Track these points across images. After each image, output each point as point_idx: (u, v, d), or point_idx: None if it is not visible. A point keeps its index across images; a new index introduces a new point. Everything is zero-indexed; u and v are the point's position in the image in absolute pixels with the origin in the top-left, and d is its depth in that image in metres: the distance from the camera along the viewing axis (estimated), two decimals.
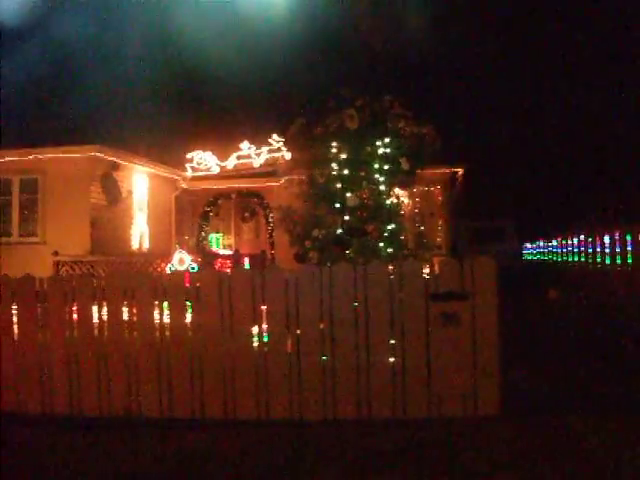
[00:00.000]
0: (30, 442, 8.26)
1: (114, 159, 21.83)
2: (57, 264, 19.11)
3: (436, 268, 8.64)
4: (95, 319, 9.17)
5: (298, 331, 8.60)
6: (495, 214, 38.53)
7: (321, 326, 8.56)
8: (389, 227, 12.06)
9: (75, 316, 9.24)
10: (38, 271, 10.58)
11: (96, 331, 9.16)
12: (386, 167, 12.11)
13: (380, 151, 12.09)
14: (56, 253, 19.15)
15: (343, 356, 8.46)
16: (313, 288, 8.58)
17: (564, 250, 30.55)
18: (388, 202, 12.28)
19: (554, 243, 37.28)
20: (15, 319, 9.42)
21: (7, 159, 20.93)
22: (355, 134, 12.03)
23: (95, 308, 9.17)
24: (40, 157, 20.73)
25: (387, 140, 12.09)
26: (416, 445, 7.56)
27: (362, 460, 7.16)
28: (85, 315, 9.19)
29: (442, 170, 22.96)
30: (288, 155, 20.54)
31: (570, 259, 28.30)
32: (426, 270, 8.72)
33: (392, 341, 8.48)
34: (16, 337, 9.41)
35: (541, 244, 47.85)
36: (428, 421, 8.23)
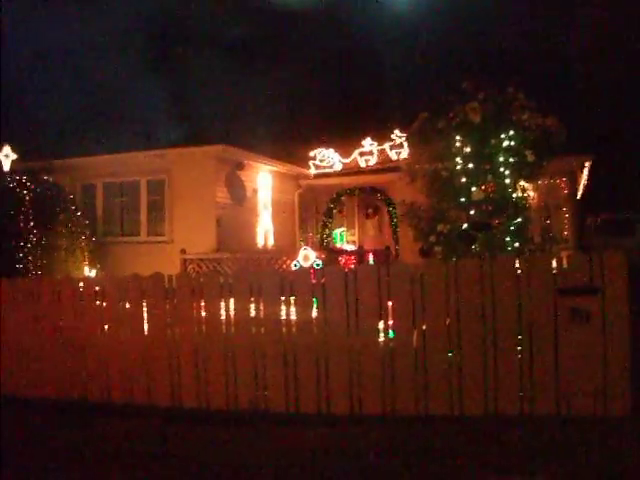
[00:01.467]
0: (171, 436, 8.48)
1: (239, 158, 22.11)
2: (184, 262, 19.52)
3: (564, 262, 8.44)
4: (222, 315, 9.34)
5: (424, 326, 8.55)
6: (624, 206, 37.40)
7: (447, 321, 8.50)
8: (515, 221, 11.88)
9: (203, 312, 9.44)
10: (166, 269, 10.84)
11: (223, 326, 9.34)
12: (511, 160, 11.93)
13: (504, 144, 11.92)
14: (183, 251, 19.55)
15: (469, 351, 8.38)
16: (438, 283, 8.52)
17: None
18: (514, 195, 12.09)
19: None
20: (145, 315, 9.70)
21: (134, 161, 21.47)
22: (478, 127, 11.89)
23: (222, 304, 9.34)
24: (166, 159, 21.17)
25: (511, 132, 11.91)
26: (545, 443, 7.43)
27: (495, 456, 7.09)
28: (212, 311, 9.38)
29: (568, 161, 22.37)
30: (411, 150, 20.43)
31: None
32: (554, 264, 8.52)
33: (520, 337, 8.35)
34: (146, 332, 9.69)
35: None
36: (556, 419, 8.07)
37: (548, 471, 6.68)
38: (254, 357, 9.11)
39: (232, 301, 9.28)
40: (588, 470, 6.63)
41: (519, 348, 8.34)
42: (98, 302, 10.04)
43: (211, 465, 7.36)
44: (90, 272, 18.39)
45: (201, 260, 19.39)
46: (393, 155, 25.22)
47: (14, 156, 18.09)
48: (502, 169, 11.96)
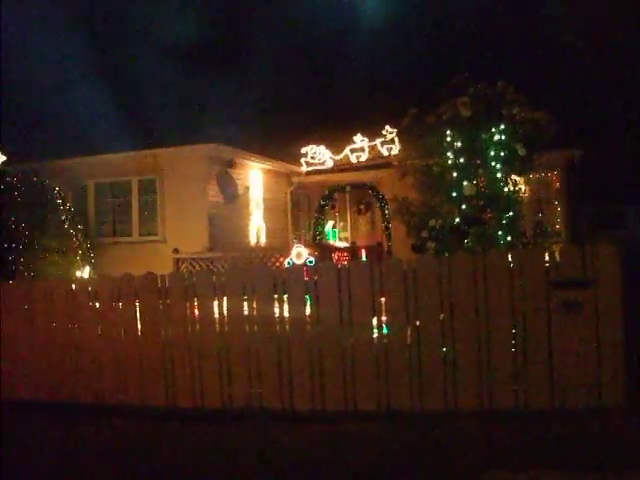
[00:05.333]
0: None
1: (230, 157, 22.10)
2: (177, 261, 19.49)
3: (556, 255, 8.45)
4: (215, 314, 9.33)
5: (417, 322, 8.56)
6: (618, 198, 37.43)
7: (440, 317, 8.50)
8: (507, 215, 11.91)
9: (196, 311, 9.43)
10: (159, 268, 10.84)
11: (217, 325, 9.33)
12: (502, 154, 11.95)
13: (495, 138, 11.94)
14: (176, 250, 19.53)
15: (463, 347, 8.39)
16: (431, 278, 8.52)
17: None
18: (505, 189, 12.11)
19: None
20: (138, 315, 9.69)
21: (126, 162, 21.44)
22: (469, 122, 11.91)
23: (215, 303, 9.34)
24: (158, 158, 21.13)
25: (502, 126, 11.93)
26: (539, 439, 7.45)
27: (491, 451, 7.11)
28: (206, 310, 9.37)
29: (559, 154, 22.35)
30: (402, 146, 20.39)
31: None
32: (546, 258, 8.53)
33: (513, 331, 8.36)
34: (139, 332, 9.68)
35: None
36: (551, 412, 8.08)
37: (542, 464, 6.69)
38: (248, 355, 9.10)
39: (225, 300, 9.28)
40: (581, 462, 6.64)
41: (513, 342, 8.35)
42: (91, 303, 10.02)
43: (204, 463, 7.38)
44: (83, 273, 18.35)
45: (194, 259, 19.36)
46: (384, 151, 25.19)
47: (3, 158, 18.00)
48: (493, 163, 11.98)
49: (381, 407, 8.58)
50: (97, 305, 9.99)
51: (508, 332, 8.37)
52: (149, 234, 21.44)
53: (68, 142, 23.99)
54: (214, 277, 9.66)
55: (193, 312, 9.46)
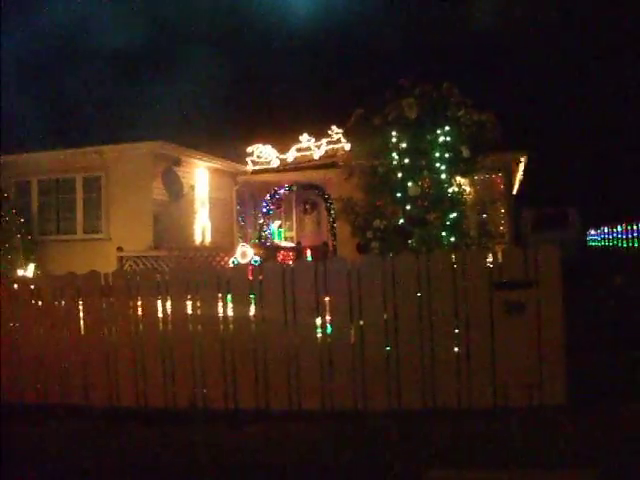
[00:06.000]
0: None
1: (175, 155, 22.00)
2: (121, 259, 19.36)
3: (499, 256, 8.55)
4: (159, 313, 9.28)
5: (361, 322, 8.59)
6: (559, 200, 37.99)
7: (384, 317, 8.55)
8: (451, 216, 12.00)
9: (140, 310, 9.37)
10: (103, 267, 10.73)
11: (160, 324, 9.28)
12: (447, 155, 12.04)
13: (440, 139, 12.02)
14: (120, 249, 19.39)
15: (407, 347, 8.43)
16: (375, 279, 8.57)
17: (630, 236, 30.02)
18: (449, 191, 12.21)
19: (619, 229, 36.66)
20: (82, 314, 9.59)
21: (70, 158, 21.22)
22: (414, 123, 11.98)
23: (159, 302, 9.29)
24: (102, 155, 20.96)
25: (447, 128, 12.02)
26: (480, 436, 7.52)
27: (421, 453, 7.15)
28: (149, 309, 9.31)
29: (504, 157, 22.60)
30: (348, 146, 20.46)
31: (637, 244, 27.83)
32: (489, 259, 8.63)
33: (456, 331, 8.44)
34: (82, 331, 9.59)
35: (606, 230, 47.05)
36: (494, 411, 8.16)
37: (483, 463, 6.76)
38: (192, 355, 9.06)
39: (169, 299, 9.23)
40: (520, 459, 6.72)
41: (456, 342, 8.43)
42: (33, 301, 9.89)
43: (143, 463, 7.34)
44: (25, 271, 18.13)
45: (138, 258, 19.25)
46: (331, 151, 25.25)
47: None
48: (438, 164, 12.06)
49: (325, 406, 8.59)
50: (39, 304, 9.86)
51: (451, 332, 8.45)
52: (93, 232, 21.25)
53: (11, 138, 23.70)
54: (158, 276, 9.60)
55: (137, 311, 9.39)
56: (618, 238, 37.39)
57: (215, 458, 7.35)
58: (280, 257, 20.15)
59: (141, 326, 9.36)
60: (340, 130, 24.57)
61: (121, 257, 19.37)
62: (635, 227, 28.69)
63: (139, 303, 9.37)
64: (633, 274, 23.96)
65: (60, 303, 9.74)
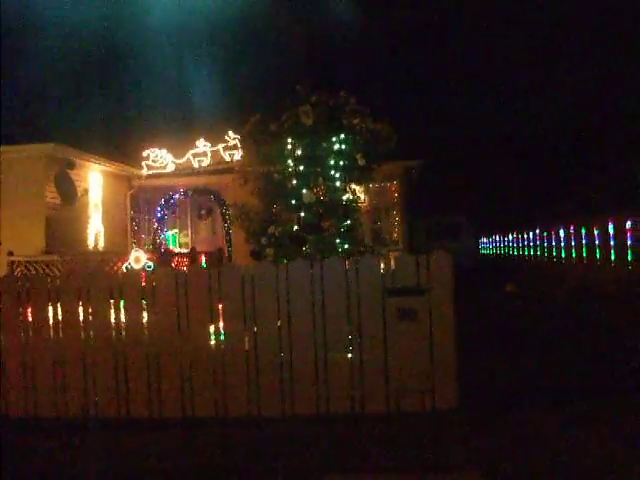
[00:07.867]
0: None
1: (69, 157, 21.60)
2: (12, 264, 18.89)
3: (392, 263, 8.66)
4: (50, 319, 9.09)
5: (255, 328, 8.59)
6: (452, 209, 38.69)
7: (278, 323, 8.56)
8: (345, 223, 12.08)
9: (29, 317, 9.16)
10: None
11: (51, 331, 9.09)
12: (342, 163, 12.12)
13: (335, 147, 12.09)
14: (11, 253, 18.92)
15: (301, 352, 8.48)
16: (269, 285, 8.58)
17: (521, 244, 30.80)
18: (344, 198, 12.29)
19: (510, 238, 37.59)
20: None
21: None
22: (310, 130, 12.01)
23: (50, 308, 9.10)
24: None
25: (342, 136, 12.10)
26: (374, 442, 7.60)
27: (315, 457, 7.19)
28: (40, 316, 9.11)
29: (398, 166, 22.91)
30: (244, 152, 20.45)
31: (527, 253, 28.54)
32: (382, 266, 8.73)
33: (349, 337, 8.51)
34: None
35: (497, 239, 48.20)
36: (387, 416, 8.26)
37: (376, 466, 6.84)
38: (84, 362, 8.92)
39: (60, 305, 9.06)
40: (411, 463, 6.82)
41: (350, 348, 8.50)
42: None
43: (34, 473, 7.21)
44: None
45: (29, 262, 18.81)
46: (227, 157, 25.18)
47: None
48: (333, 172, 12.13)
49: (219, 413, 8.57)
50: None
51: (345, 338, 8.52)
52: None
53: None
54: (49, 281, 9.41)
55: (26, 317, 9.18)
56: (509, 246, 38.35)
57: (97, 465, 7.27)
58: (174, 263, 20.03)
59: (31, 333, 9.15)
60: (237, 136, 24.51)
61: (12, 262, 18.89)
62: (525, 236, 29.44)
63: (29, 310, 9.17)
64: (523, 281, 24.58)
65: None
